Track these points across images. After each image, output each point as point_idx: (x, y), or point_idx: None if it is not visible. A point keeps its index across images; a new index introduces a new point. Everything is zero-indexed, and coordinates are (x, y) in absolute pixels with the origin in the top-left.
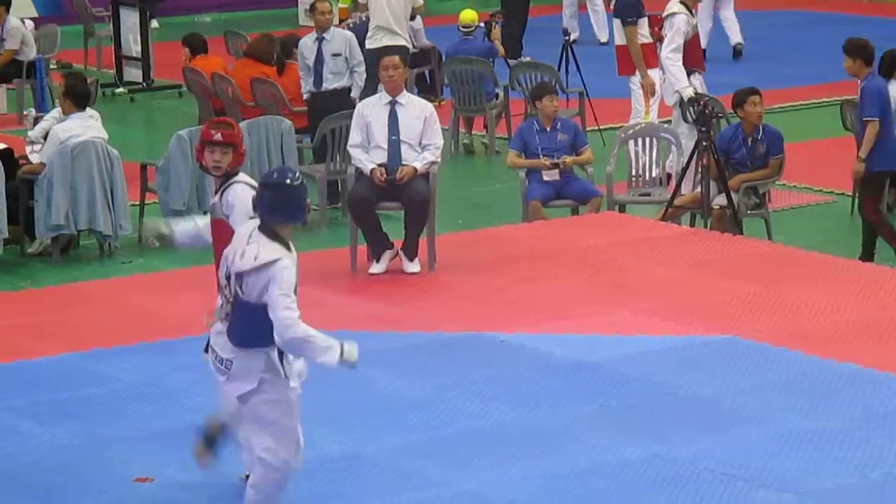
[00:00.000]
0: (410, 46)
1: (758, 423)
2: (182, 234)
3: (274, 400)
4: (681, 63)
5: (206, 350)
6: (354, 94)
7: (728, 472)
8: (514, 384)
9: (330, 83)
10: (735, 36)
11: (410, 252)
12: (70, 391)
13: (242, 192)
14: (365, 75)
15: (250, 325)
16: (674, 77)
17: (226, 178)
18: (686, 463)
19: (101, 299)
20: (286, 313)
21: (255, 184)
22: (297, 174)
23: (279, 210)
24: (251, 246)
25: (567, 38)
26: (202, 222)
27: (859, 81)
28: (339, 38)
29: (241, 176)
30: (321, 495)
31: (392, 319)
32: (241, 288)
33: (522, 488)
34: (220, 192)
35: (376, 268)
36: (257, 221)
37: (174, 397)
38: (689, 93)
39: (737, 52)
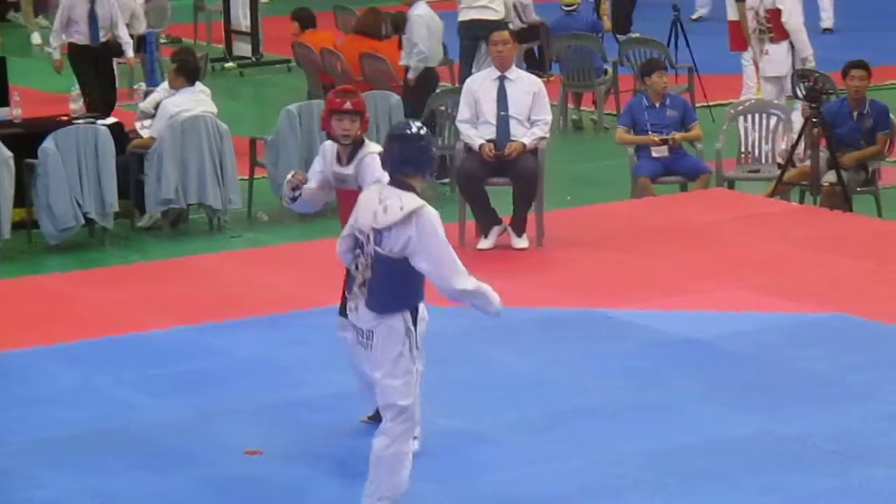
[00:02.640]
0: (508, 19)
1: (868, 400)
2: None
3: (409, 358)
4: None
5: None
6: (410, 76)
7: (838, 449)
8: (623, 360)
9: (402, 60)
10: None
11: (519, 228)
12: (180, 364)
13: (378, 163)
14: (420, 56)
15: (392, 286)
16: (804, 44)
17: (355, 148)
18: (796, 440)
19: (210, 273)
20: (454, 265)
21: None
22: (422, 125)
23: (410, 161)
24: (391, 201)
25: (677, 13)
26: None
27: None
28: (409, 17)
29: (372, 146)
30: (435, 468)
31: (501, 295)
32: (380, 245)
33: (631, 464)
34: (352, 162)
35: (485, 243)
36: (382, 183)
37: (283, 371)
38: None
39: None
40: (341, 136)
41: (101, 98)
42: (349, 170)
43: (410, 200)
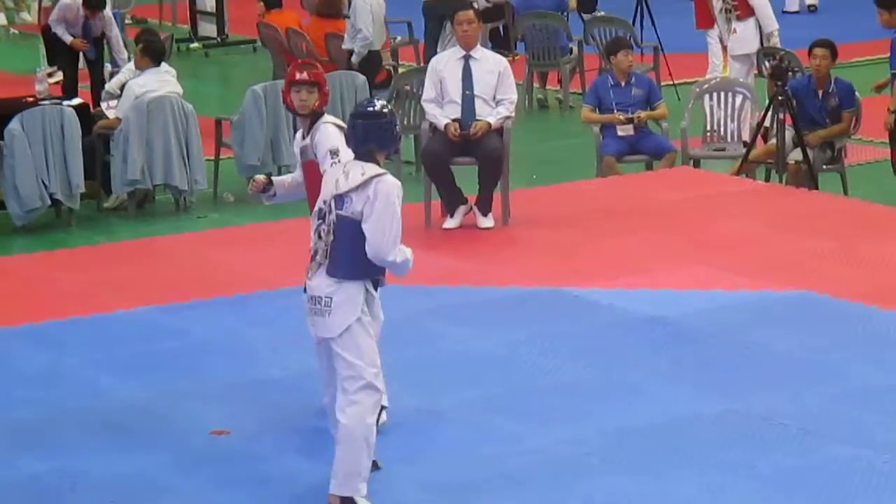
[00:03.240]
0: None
1: (833, 378)
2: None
3: (367, 331)
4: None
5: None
6: (354, 60)
7: (803, 426)
8: (588, 339)
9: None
10: None
11: (484, 207)
12: (147, 345)
13: (331, 131)
14: (364, 42)
15: (353, 251)
16: (770, 20)
17: (314, 120)
18: (761, 418)
19: (176, 254)
20: (395, 239)
21: (343, 124)
22: (386, 104)
23: (373, 138)
24: (354, 170)
25: None
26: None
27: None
28: (353, 1)
29: (328, 116)
30: (396, 447)
31: (466, 274)
32: (342, 209)
33: (597, 443)
34: (309, 134)
35: (450, 223)
36: (348, 159)
37: (250, 352)
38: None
39: (810, 8)
40: (299, 107)
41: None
42: (307, 141)
43: (373, 168)
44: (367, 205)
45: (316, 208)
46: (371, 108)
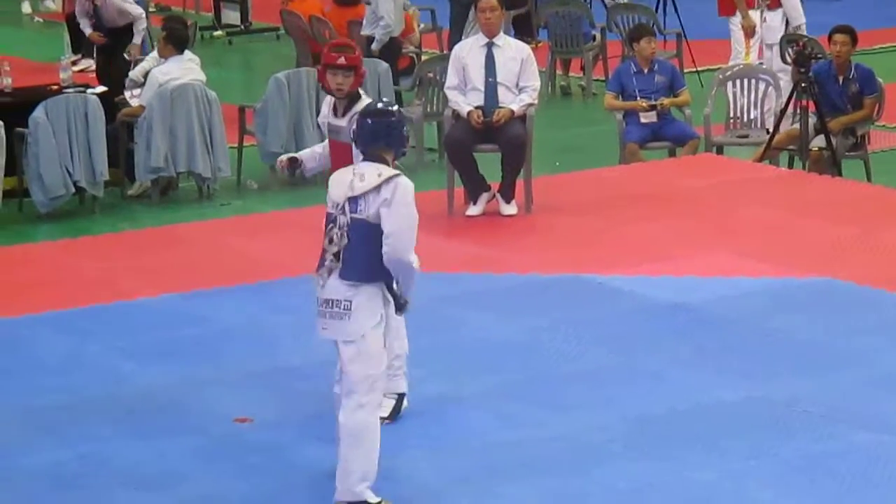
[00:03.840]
0: None
1: (856, 364)
2: None
3: (381, 339)
4: None
5: None
6: (374, 47)
7: (826, 413)
8: (611, 326)
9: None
10: None
11: (507, 194)
12: (169, 332)
13: None
14: (386, 29)
15: (368, 253)
16: (798, 12)
17: (351, 101)
18: (783, 404)
19: (199, 241)
20: (411, 240)
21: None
22: (395, 103)
23: (381, 137)
24: (368, 171)
25: None
26: None
27: None
28: None
29: (366, 97)
30: (417, 434)
31: (488, 261)
32: (356, 212)
33: (619, 429)
34: (346, 114)
35: (473, 210)
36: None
37: (272, 339)
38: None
39: None
40: (335, 90)
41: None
42: (343, 122)
43: (387, 170)
44: (385, 205)
45: (327, 211)
46: (380, 107)
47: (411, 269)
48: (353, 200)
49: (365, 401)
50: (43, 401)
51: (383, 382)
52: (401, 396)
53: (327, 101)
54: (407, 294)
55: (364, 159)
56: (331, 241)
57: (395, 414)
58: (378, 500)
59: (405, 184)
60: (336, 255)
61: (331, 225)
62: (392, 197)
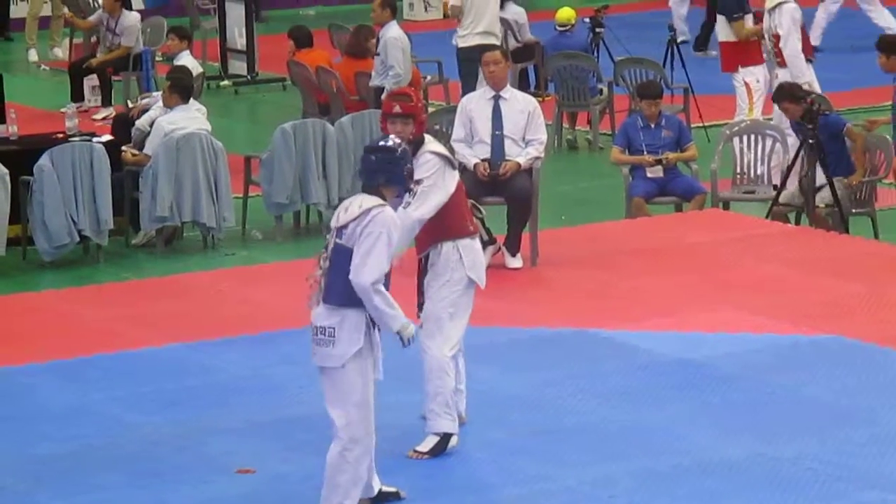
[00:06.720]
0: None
1: (863, 423)
2: None
3: (365, 372)
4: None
5: None
6: (385, 97)
7: (832, 472)
8: (616, 381)
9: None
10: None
11: (513, 247)
12: (173, 382)
13: (428, 160)
14: (397, 79)
15: (345, 278)
16: (800, 71)
17: (416, 146)
18: (789, 462)
19: (204, 291)
20: (379, 265)
21: (445, 152)
22: (401, 142)
23: (381, 171)
24: (355, 202)
25: (672, 33)
26: None
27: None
28: (382, 39)
29: (431, 144)
30: (421, 489)
31: (493, 314)
32: (341, 238)
33: (624, 485)
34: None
35: None
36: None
37: (276, 389)
38: (816, 87)
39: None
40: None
41: None
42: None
43: (372, 201)
44: (360, 229)
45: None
46: (382, 143)
47: (369, 294)
48: (339, 230)
49: (348, 453)
50: (45, 450)
51: (368, 424)
52: (446, 436)
53: None
54: (381, 323)
55: (362, 191)
56: (319, 266)
57: (438, 451)
58: None
59: (384, 215)
60: (321, 278)
61: (322, 251)
62: (366, 227)
